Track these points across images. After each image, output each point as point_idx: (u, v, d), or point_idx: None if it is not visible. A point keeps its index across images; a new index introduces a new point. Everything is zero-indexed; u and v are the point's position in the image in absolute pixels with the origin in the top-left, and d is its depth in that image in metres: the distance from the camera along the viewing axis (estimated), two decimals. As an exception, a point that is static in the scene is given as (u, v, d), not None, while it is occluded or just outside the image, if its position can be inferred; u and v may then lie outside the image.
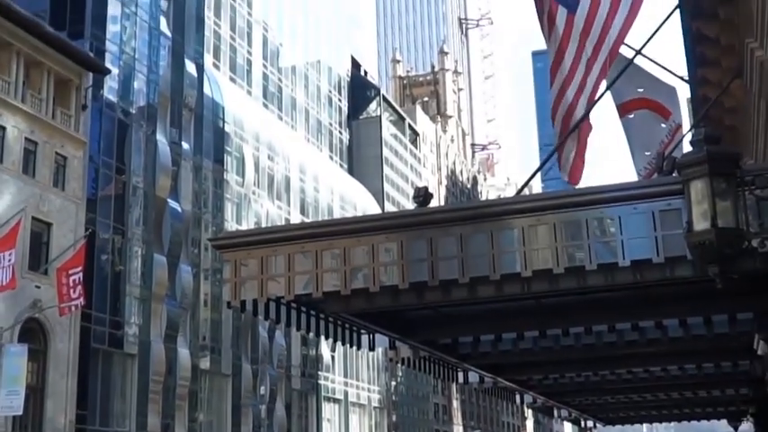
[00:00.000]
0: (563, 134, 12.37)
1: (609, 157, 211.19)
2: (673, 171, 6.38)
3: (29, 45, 42.19)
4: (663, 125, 14.14)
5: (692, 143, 6.30)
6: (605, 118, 18.14)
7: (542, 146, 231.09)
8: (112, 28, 50.34)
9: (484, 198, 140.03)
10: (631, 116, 14.55)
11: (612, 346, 10.13)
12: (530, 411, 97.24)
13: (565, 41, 12.16)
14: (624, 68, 12.67)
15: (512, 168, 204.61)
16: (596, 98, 11.95)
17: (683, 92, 14.89)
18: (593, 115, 12.43)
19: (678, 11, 12.67)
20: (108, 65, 48.40)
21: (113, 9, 50.27)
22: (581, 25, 11.78)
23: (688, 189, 6.08)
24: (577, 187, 10.80)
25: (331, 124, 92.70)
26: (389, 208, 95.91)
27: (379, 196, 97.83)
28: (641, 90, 14.23)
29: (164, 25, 54.77)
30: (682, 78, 14.48)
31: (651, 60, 13.69)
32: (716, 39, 12.43)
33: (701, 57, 13.00)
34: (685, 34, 13.02)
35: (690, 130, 13.45)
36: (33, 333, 39.97)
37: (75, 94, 45.18)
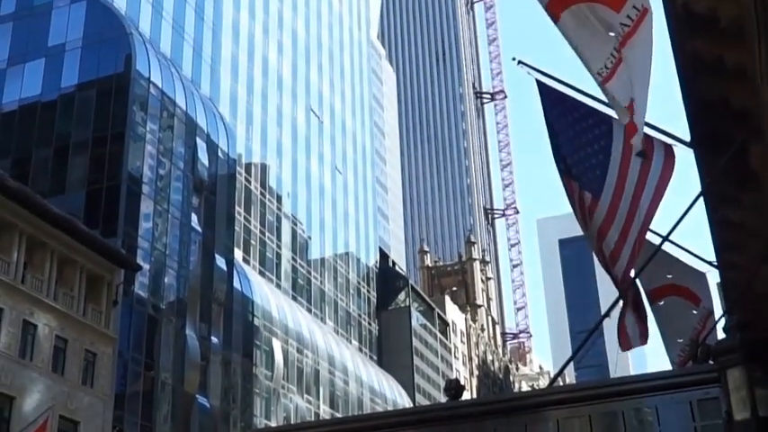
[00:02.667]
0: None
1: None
2: (708, 359, 6.24)
3: (63, 243, 43.03)
4: (694, 311, 13.98)
5: (725, 330, 6.19)
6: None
7: (574, 333, 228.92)
8: (145, 225, 51.40)
9: (516, 388, 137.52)
10: (662, 303, 14.40)
11: None
12: None
13: (590, 225, 12.25)
14: (652, 255, 12.64)
15: (544, 356, 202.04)
16: (626, 285, 11.88)
17: (713, 276, 14.82)
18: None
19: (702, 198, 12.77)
20: (140, 261, 49.13)
21: (146, 207, 51.49)
22: (605, 209, 11.88)
23: (725, 377, 5.93)
24: (613, 376, 10.58)
25: (360, 315, 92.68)
26: (420, 400, 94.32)
27: (410, 388, 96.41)
28: (670, 276, 14.15)
29: (195, 222, 55.91)
30: (710, 263, 14.42)
31: (679, 246, 13.71)
32: (741, 224, 12.46)
33: (727, 242, 13.00)
34: (710, 220, 13.07)
35: (722, 316, 13.27)
36: None
37: (106, 290, 45.65)
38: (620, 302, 12.03)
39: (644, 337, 12.85)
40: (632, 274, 12.18)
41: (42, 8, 56.55)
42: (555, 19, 9.73)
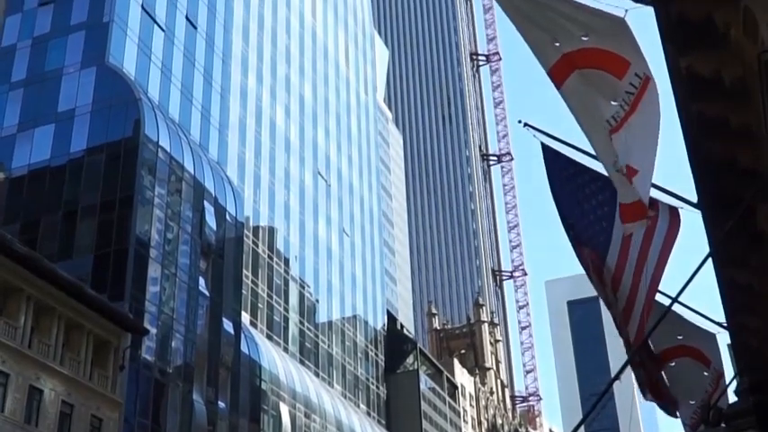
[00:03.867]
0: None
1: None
2: (720, 422, 6.15)
3: (70, 308, 42.97)
4: (705, 373, 13.82)
5: (737, 393, 6.10)
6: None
7: (584, 396, 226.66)
8: (152, 289, 51.34)
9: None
10: (673, 364, 14.27)
11: None
12: None
13: (600, 285, 12.21)
14: (662, 317, 12.54)
15: (554, 420, 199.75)
16: (636, 347, 11.78)
17: (723, 337, 14.68)
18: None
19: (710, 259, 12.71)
20: (147, 325, 48.98)
21: (154, 270, 51.49)
22: (611, 275, 11.85)
23: (738, 442, 5.83)
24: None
25: (368, 379, 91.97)
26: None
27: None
28: (681, 337, 14.04)
29: (202, 285, 55.85)
30: (720, 325, 14.29)
31: (688, 308, 13.61)
32: (750, 285, 12.38)
33: (737, 304, 12.90)
34: (719, 282, 12.99)
35: (733, 379, 13.12)
36: None
37: (113, 354, 45.45)
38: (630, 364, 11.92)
39: (654, 396, 12.76)
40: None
41: (53, 74, 57.24)
42: (558, 85, 9.81)
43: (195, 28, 65.56)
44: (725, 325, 14.23)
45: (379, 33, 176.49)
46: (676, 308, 13.16)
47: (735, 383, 12.43)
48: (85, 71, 56.33)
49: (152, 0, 61.44)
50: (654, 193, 11.12)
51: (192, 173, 57.47)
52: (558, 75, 9.78)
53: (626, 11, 9.06)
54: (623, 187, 9.80)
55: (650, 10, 9.43)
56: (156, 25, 60.86)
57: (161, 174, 54.66)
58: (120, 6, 57.94)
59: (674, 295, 12.47)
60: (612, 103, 9.36)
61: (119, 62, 56.24)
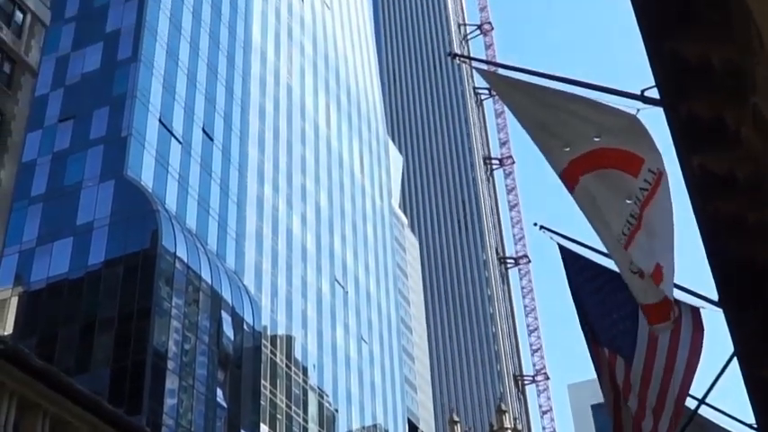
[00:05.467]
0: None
1: None
2: None
3: (87, 423, 42.41)
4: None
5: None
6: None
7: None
8: (170, 401, 50.87)
9: None
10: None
11: None
12: None
13: (627, 391, 11.94)
14: (689, 420, 12.28)
15: None
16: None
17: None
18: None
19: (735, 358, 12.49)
20: (164, 439, 48.37)
21: (171, 383, 51.11)
22: (639, 374, 11.62)
23: None
24: None
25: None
26: None
27: None
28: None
29: (220, 396, 55.32)
30: (750, 426, 13.97)
31: (715, 408, 13.32)
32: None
33: (765, 403, 12.60)
34: (746, 381, 12.73)
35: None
36: None
37: (130, 470, 44.67)
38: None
39: None
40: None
41: (72, 188, 58.01)
42: (570, 189, 9.80)
43: (212, 140, 66.60)
44: (755, 426, 13.91)
45: (393, 140, 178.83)
46: (703, 410, 12.88)
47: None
48: (104, 184, 57.09)
49: (169, 113, 62.62)
50: (675, 293, 11.00)
51: (210, 283, 57.55)
52: (570, 178, 9.79)
53: (637, 110, 9.11)
54: (643, 288, 9.68)
55: (660, 110, 9.49)
56: (173, 138, 61.88)
57: (178, 284, 54.76)
58: (139, 120, 59.05)
59: (700, 397, 12.24)
60: (627, 201, 9.33)
61: (137, 175, 57.00)
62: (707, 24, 8.49)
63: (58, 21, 60.20)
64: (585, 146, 9.55)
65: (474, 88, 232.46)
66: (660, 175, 9.00)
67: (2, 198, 38.47)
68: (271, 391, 69.54)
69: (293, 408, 73.00)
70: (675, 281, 9.81)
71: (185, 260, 55.74)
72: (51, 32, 51.46)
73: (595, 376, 13.22)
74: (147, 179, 57.95)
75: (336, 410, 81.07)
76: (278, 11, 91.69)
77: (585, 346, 12.80)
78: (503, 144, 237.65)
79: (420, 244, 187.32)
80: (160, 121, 61.32)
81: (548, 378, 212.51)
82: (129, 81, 60.76)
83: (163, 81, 63.23)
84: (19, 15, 42.67)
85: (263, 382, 65.77)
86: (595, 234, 10.05)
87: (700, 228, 10.70)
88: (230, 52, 75.08)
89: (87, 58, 64.35)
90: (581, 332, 12.92)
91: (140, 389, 48.72)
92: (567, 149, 9.75)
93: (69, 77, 64.02)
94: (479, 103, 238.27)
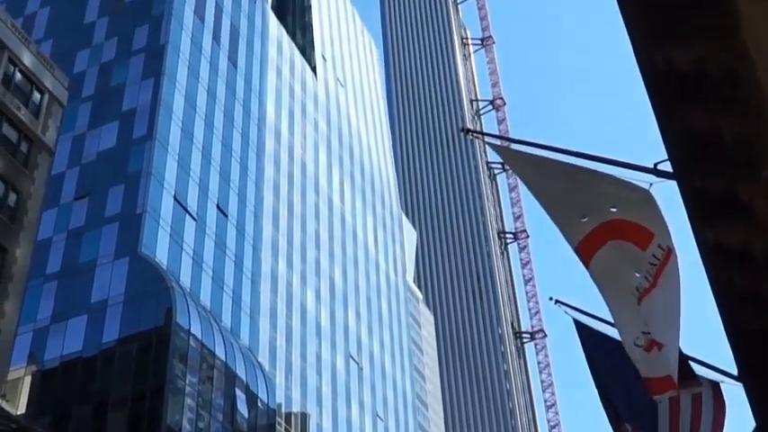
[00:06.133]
0: None
1: None
2: None
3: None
4: None
5: None
6: None
7: None
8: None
9: None
10: None
11: None
12: None
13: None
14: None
15: None
16: None
17: None
18: None
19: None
20: None
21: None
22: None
23: None
24: None
25: None
26: None
27: None
28: None
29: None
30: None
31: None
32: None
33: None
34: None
35: None
36: None
37: None
38: None
39: None
40: None
41: (86, 266, 58.15)
42: (585, 261, 9.78)
43: (226, 216, 66.90)
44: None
45: (407, 215, 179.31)
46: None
47: None
48: (118, 262, 57.22)
49: (184, 190, 63.05)
50: (695, 368, 10.87)
51: (224, 360, 57.23)
52: (585, 251, 9.77)
53: (650, 185, 9.11)
54: (647, 361, 9.59)
55: (673, 183, 9.48)
56: (187, 214, 62.19)
57: (192, 362, 54.46)
58: (154, 197, 59.44)
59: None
60: (636, 274, 9.30)
61: (151, 252, 57.15)
62: (718, 99, 8.53)
63: (75, 100, 61.08)
64: (603, 216, 9.55)
65: (487, 163, 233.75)
66: (669, 253, 8.97)
67: (17, 277, 38.58)
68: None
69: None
70: (696, 355, 9.71)
71: (199, 337, 55.53)
72: (68, 112, 52.23)
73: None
74: (161, 256, 58.08)
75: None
76: (292, 88, 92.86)
77: (604, 421, 12.61)
78: (517, 218, 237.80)
79: (435, 319, 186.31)
80: (175, 197, 61.71)
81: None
82: (144, 159, 61.35)
83: (178, 158, 63.83)
84: (37, 95, 43.35)
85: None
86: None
87: (716, 301, 10.61)
88: (245, 129, 75.86)
89: (103, 136, 65.12)
90: (600, 407, 12.75)
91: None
92: (585, 220, 9.74)
93: (85, 156, 64.72)
94: (493, 178, 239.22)
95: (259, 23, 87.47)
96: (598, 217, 9.66)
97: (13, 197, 39.80)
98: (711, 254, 9.62)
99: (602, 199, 9.48)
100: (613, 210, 9.49)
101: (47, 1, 78.63)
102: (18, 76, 42.41)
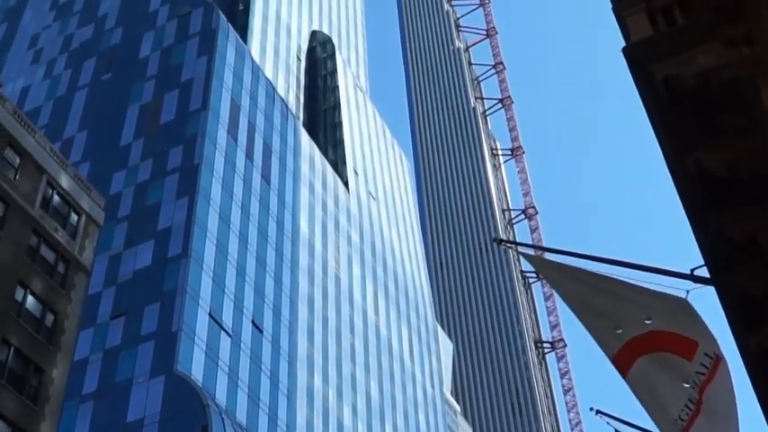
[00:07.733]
0: None
1: None
2: None
3: None
4: None
5: None
6: None
7: None
8: None
9: None
10: None
11: None
12: None
13: None
14: None
15: None
16: None
17: None
18: None
19: None
20: None
21: None
22: None
23: None
24: None
25: None
26: None
27: None
28: None
29: None
30: None
31: None
32: None
33: None
34: None
35: None
36: None
37: None
38: None
39: None
40: None
41: (122, 385, 57.99)
42: (623, 372, 9.65)
43: (261, 332, 66.78)
44: None
45: (442, 326, 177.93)
46: None
47: None
48: (154, 380, 57.03)
49: (219, 307, 63.19)
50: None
51: (260, 479, 56.29)
52: (622, 362, 9.65)
53: (687, 292, 9.01)
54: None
55: (711, 289, 9.38)
56: (223, 331, 62.16)
57: (228, 481, 53.60)
58: (189, 315, 59.58)
59: None
60: (685, 385, 9.12)
61: (187, 369, 56.97)
62: (751, 204, 8.52)
63: (111, 220, 61.99)
64: (637, 329, 9.45)
65: (521, 272, 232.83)
66: (719, 360, 8.82)
67: (54, 398, 38.51)
68: None
69: None
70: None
71: (236, 456, 54.79)
72: (105, 232, 52.94)
73: None
74: (197, 373, 57.86)
75: None
76: (324, 203, 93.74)
77: None
78: (553, 327, 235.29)
79: (474, 431, 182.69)
80: (210, 315, 61.82)
81: None
82: (179, 277, 61.77)
83: (212, 275, 64.20)
84: (74, 217, 44.05)
85: None
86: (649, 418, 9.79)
87: (761, 406, 10.36)
88: (278, 244, 76.39)
89: (139, 255, 65.80)
90: None
91: None
92: (619, 332, 9.65)
93: (121, 275, 65.29)
94: (527, 287, 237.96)
95: (291, 140, 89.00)
96: (632, 329, 9.57)
97: (50, 318, 40.05)
98: (755, 359, 9.45)
99: (635, 311, 9.39)
100: (648, 322, 9.39)
101: (84, 125, 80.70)
102: (56, 198, 43.22)
